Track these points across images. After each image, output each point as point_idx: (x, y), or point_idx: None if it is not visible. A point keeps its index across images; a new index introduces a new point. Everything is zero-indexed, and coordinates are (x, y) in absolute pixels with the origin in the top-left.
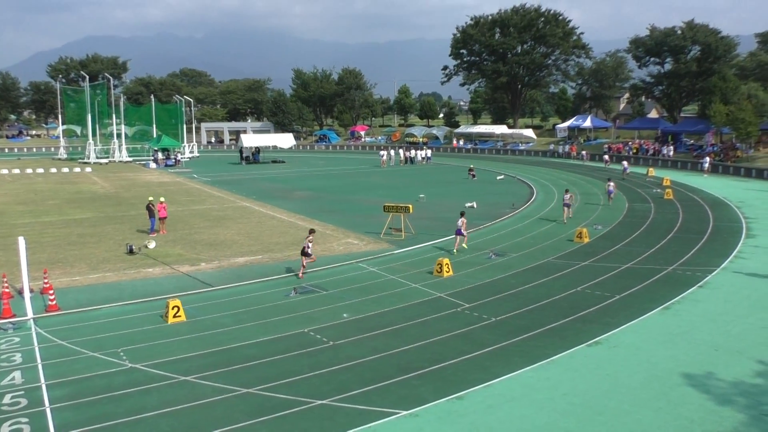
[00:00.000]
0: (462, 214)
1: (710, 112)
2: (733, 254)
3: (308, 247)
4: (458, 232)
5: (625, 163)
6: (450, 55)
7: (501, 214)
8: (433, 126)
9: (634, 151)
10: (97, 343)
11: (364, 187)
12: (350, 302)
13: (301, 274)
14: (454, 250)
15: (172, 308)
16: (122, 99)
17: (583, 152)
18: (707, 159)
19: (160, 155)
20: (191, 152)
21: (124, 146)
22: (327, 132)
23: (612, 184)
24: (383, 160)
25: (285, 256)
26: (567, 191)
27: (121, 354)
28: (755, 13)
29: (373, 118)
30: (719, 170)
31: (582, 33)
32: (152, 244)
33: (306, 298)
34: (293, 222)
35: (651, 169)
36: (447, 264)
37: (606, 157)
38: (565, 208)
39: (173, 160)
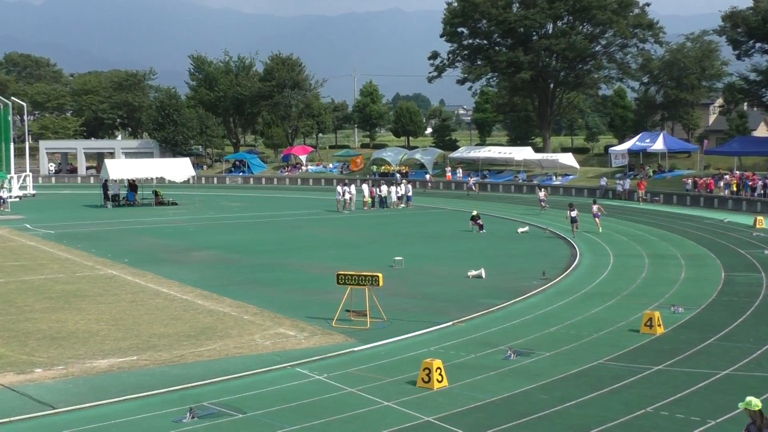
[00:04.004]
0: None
1: None
2: None
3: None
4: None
5: (541, 194)
6: (442, 36)
7: (525, 288)
8: (416, 147)
9: (734, 188)
10: None
11: (305, 245)
12: None
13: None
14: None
15: None
16: None
17: (540, 193)
18: None
19: None
20: (23, 188)
21: None
22: (246, 156)
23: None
24: (340, 201)
25: (176, 357)
26: (571, 206)
27: None
28: None
29: (321, 135)
30: None
31: (648, 4)
32: None
33: (209, 426)
34: (190, 300)
35: (760, 217)
36: (439, 369)
37: (542, 193)
38: (573, 225)
39: None
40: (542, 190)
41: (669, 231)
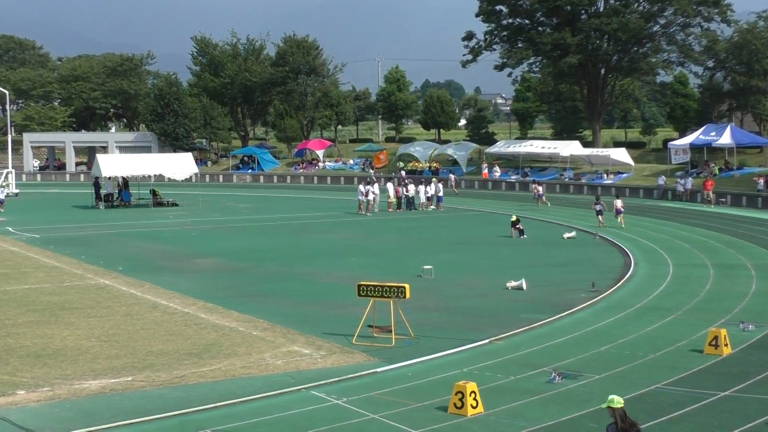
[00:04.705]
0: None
1: None
2: None
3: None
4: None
5: (540, 189)
6: (477, 15)
7: (572, 302)
8: (448, 141)
9: None
10: None
11: (322, 251)
12: None
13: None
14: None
15: None
16: None
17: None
18: None
19: None
20: (5, 186)
21: None
22: (256, 150)
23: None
24: (362, 202)
25: (176, 377)
26: (598, 199)
27: None
28: None
29: (340, 127)
30: None
31: None
32: None
33: None
34: (192, 314)
35: None
36: (474, 393)
37: (540, 188)
38: (599, 217)
39: None
40: (541, 185)
41: (737, 237)
